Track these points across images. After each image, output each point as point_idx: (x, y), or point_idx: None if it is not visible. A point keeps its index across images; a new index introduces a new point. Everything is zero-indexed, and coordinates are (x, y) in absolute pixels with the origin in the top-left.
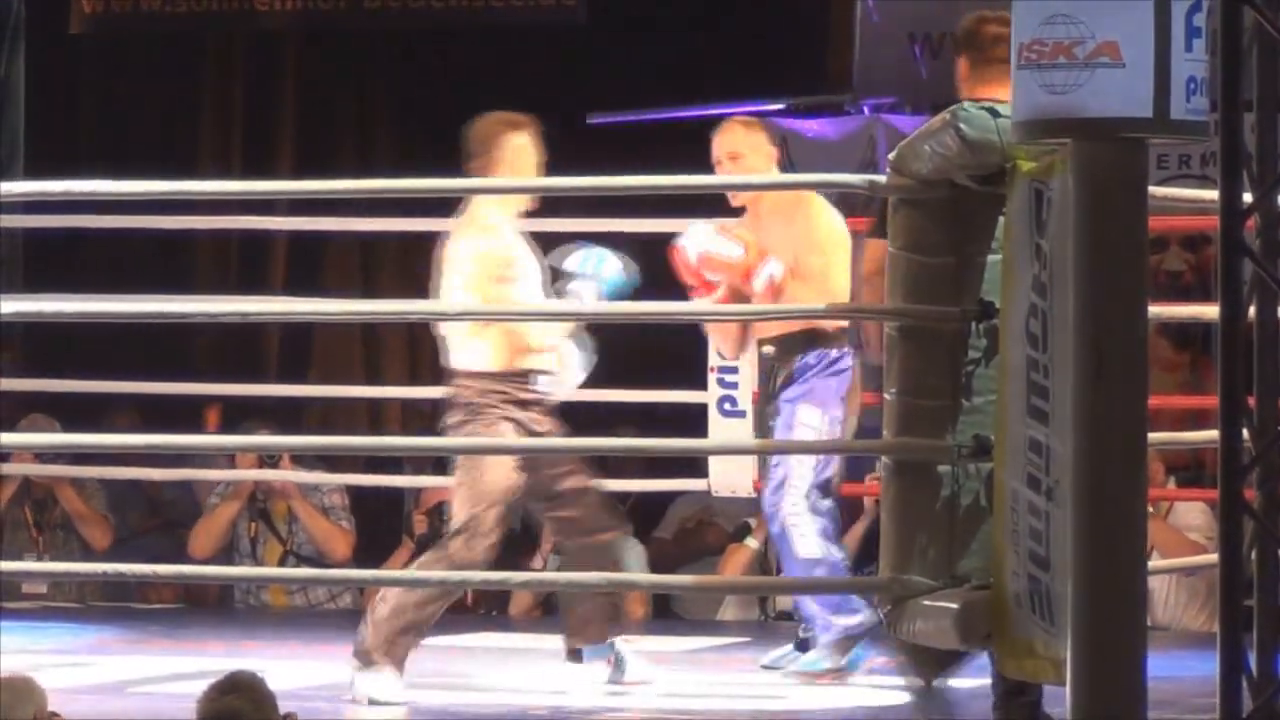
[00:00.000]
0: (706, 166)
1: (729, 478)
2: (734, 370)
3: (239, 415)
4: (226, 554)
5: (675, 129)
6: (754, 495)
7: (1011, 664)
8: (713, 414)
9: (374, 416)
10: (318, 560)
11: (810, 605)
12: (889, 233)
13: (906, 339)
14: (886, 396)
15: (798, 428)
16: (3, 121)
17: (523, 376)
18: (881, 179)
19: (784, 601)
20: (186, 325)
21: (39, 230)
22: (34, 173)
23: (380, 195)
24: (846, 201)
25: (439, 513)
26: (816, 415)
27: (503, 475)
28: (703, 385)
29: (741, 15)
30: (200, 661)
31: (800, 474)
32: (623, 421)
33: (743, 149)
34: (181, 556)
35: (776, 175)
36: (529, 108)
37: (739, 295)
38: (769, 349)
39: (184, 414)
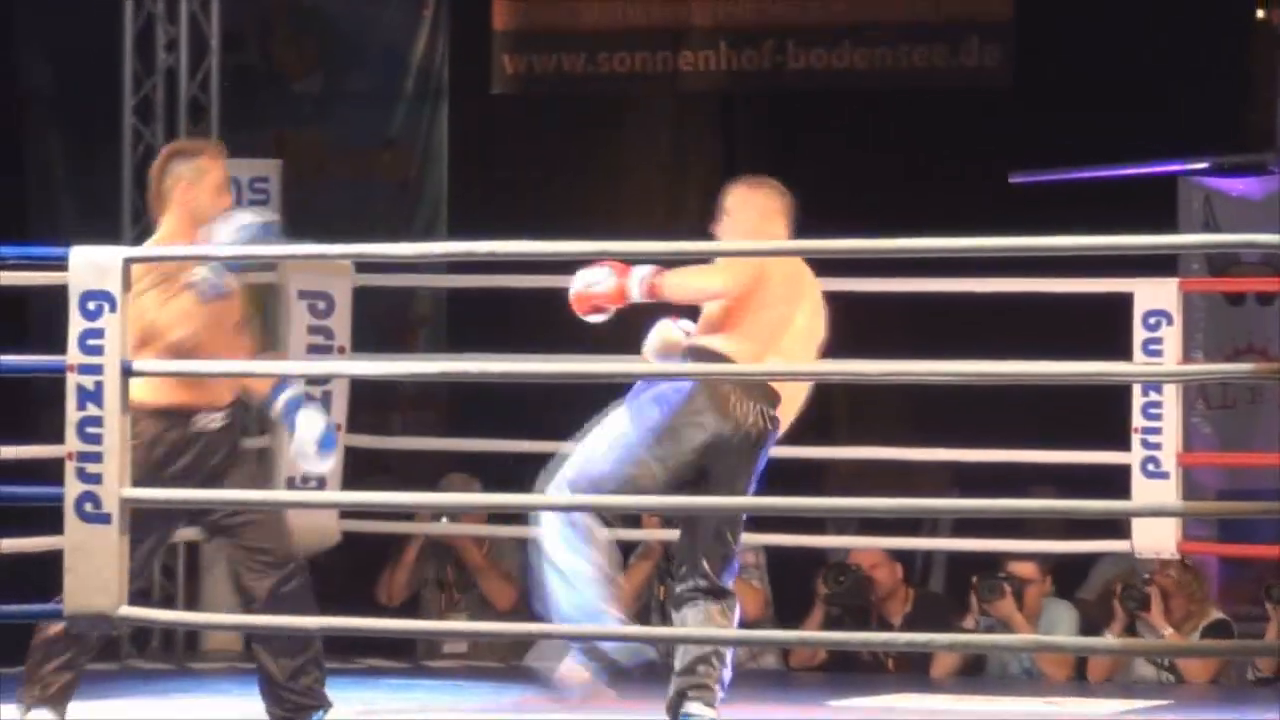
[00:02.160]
0: (1127, 226)
1: (1153, 539)
2: (1157, 431)
3: None
4: (645, 614)
5: (1096, 189)
6: (1177, 556)
7: None
8: (1135, 474)
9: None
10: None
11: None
12: None
13: None
14: None
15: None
16: (426, 182)
17: None
18: None
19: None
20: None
21: (462, 290)
22: (457, 232)
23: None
24: (1270, 261)
25: (840, 571)
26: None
27: None
28: (1126, 446)
29: (1164, 74)
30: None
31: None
32: (1041, 481)
33: (729, 206)
34: None
35: (1202, 236)
36: (953, 165)
37: None
38: None
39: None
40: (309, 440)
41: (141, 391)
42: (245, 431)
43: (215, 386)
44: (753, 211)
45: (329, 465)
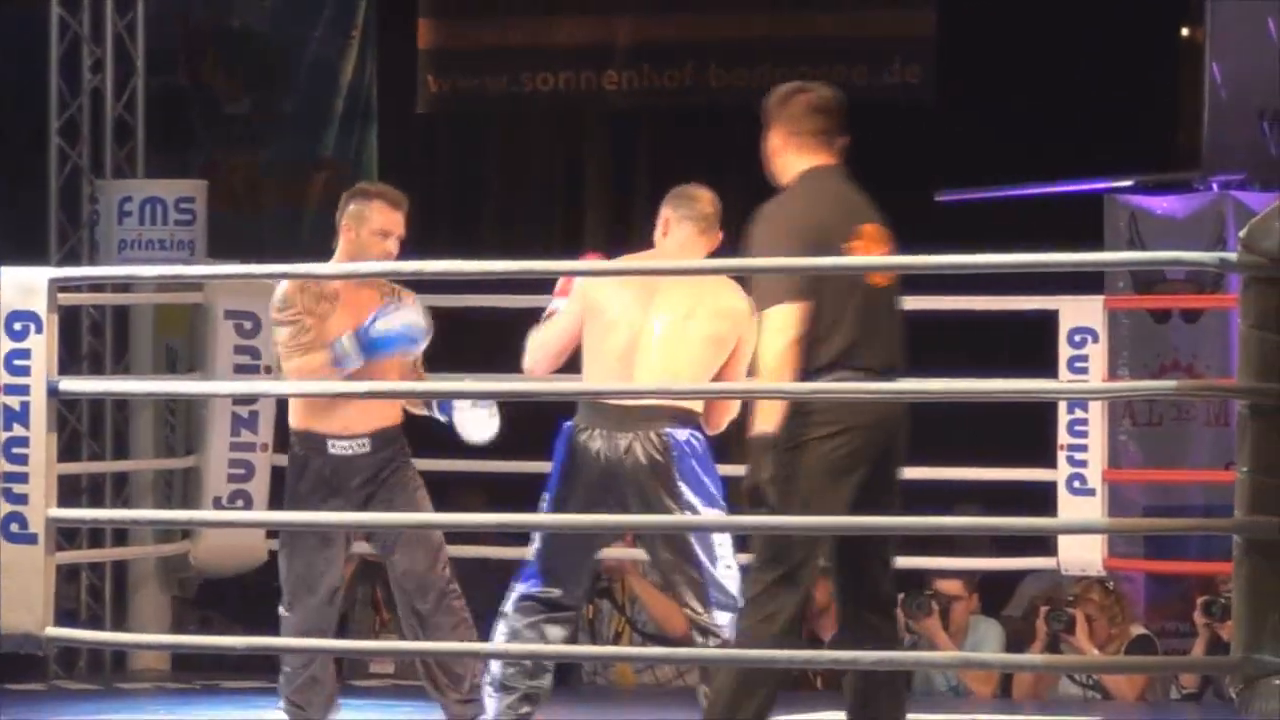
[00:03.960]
0: (1053, 244)
1: (1079, 556)
2: (1083, 449)
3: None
4: (574, 633)
5: (1022, 206)
6: (1103, 574)
7: None
8: (1061, 491)
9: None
10: (659, 637)
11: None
12: (1240, 310)
13: (1257, 417)
14: (1238, 475)
15: None
16: None
17: None
18: (1232, 256)
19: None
20: None
21: None
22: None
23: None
24: (1195, 279)
25: None
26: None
27: None
28: (1052, 463)
29: (1089, 93)
30: None
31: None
32: (967, 498)
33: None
34: None
35: (1128, 254)
36: (877, 184)
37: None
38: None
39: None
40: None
41: (293, 416)
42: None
43: (345, 415)
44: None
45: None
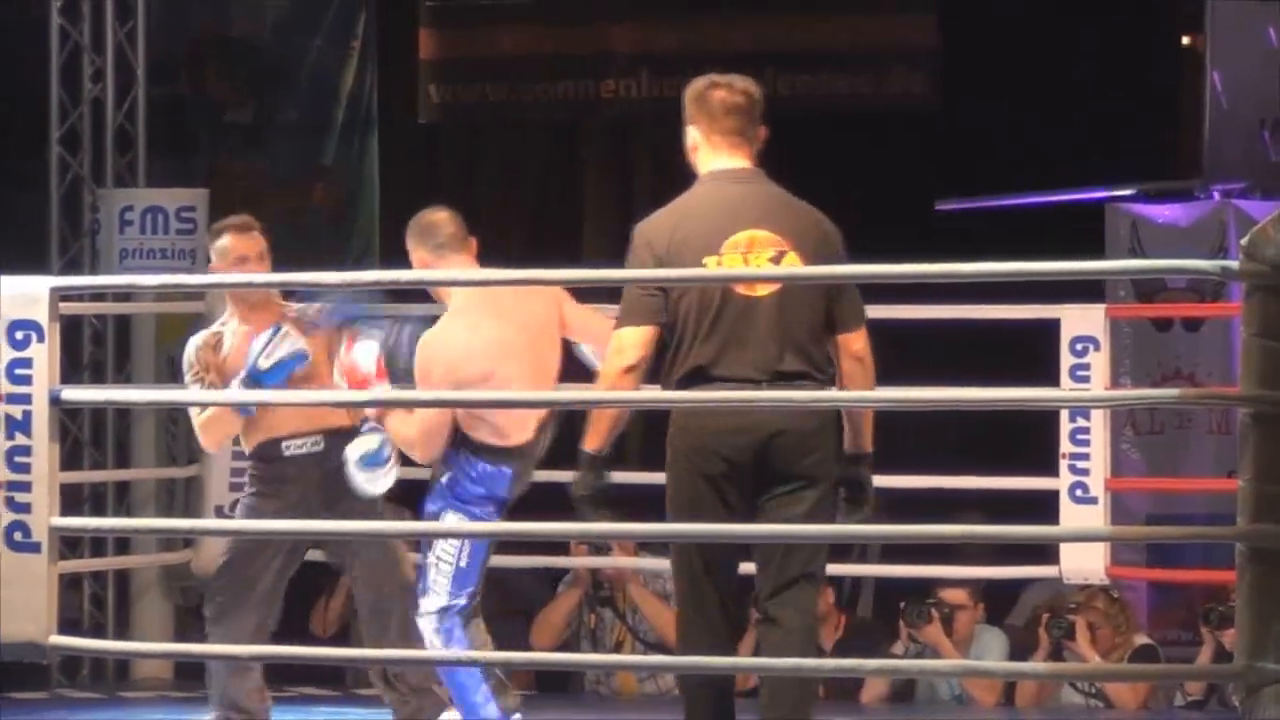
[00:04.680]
0: (1054, 252)
1: (1081, 564)
2: (1085, 457)
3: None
4: (576, 642)
5: (1023, 215)
6: (1106, 582)
7: None
8: (1064, 500)
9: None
10: (661, 646)
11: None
12: (1242, 318)
13: (1260, 425)
14: (1240, 483)
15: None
16: (359, 211)
17: None
18: (1234, 264)
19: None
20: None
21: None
22: (390, 261)
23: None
24: (1197, 287)
25: None
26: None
27: None
28: (1054, 471)
29: (1090, 101)
30: None
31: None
32: (970, 506)
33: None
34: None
35: (1129, 262)
36: (878, 192)
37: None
38: None
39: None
40: (350, 458)
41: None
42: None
43: (293, 420)
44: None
45: (376, 486)
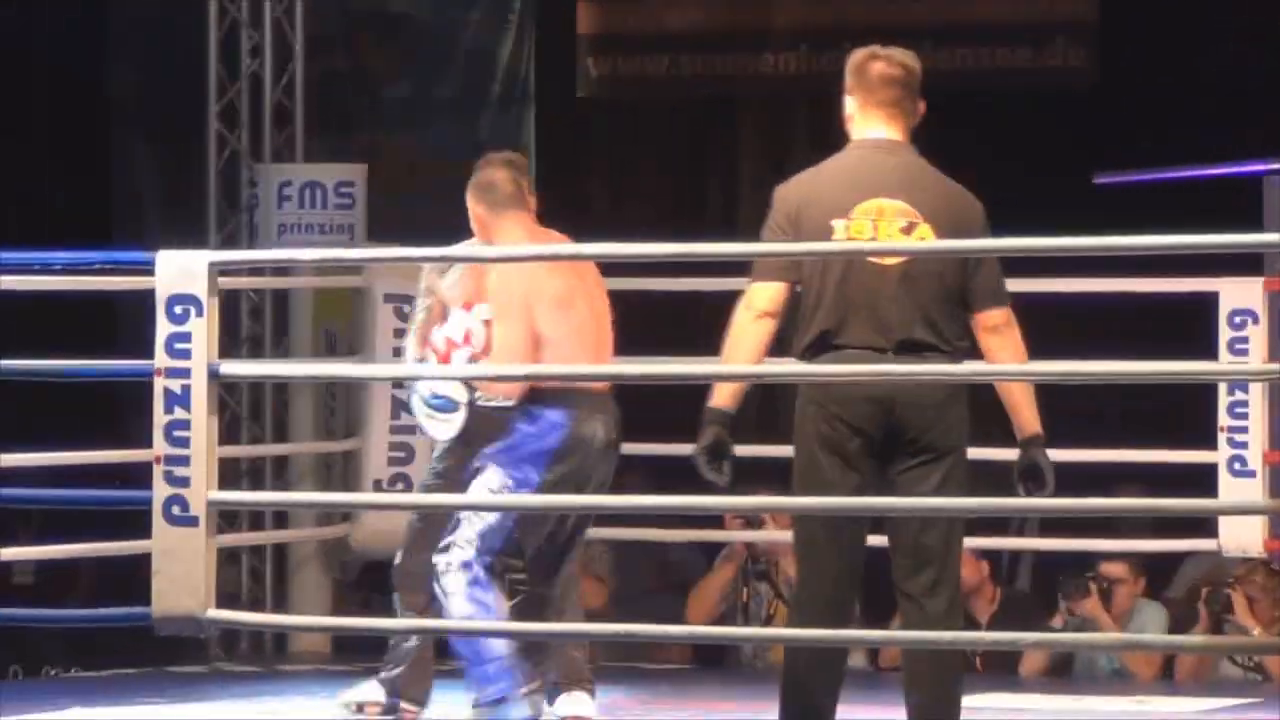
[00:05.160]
0: (1212, 225)
1: (1240, 537)
2: (1244, 430)
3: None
4: (731, 615)
5: (1181, 188)
6: (1264, 554)
7: None
8: (1222, 473)
9: None
10: None
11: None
12: None
13: None
14: None
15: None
16: None
17: None
18: None
19: None
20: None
21: None
22: None
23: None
24: None
25: None
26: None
27: None
28: (1213, 444)
29: (1250, 73)
30: None
31: (466, 534)
32: (1130, 480)
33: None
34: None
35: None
36: (1036, 166)
37: None
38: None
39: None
40: (419, 392)
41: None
42: None
43: None
44: None
45: (439, 430)
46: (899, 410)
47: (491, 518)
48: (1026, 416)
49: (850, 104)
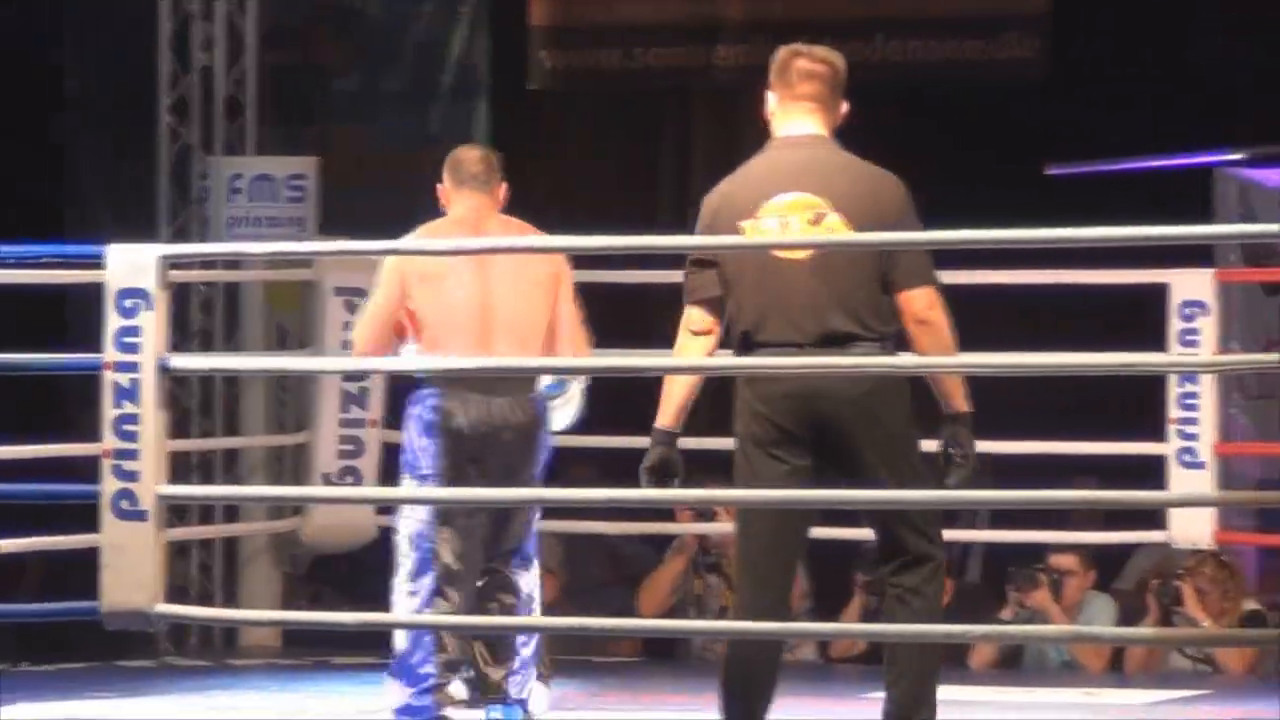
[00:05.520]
0: (1163, 217)
1: (1189, 529)
2: (1194, 422)
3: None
4: (682, 608)
5: (1132, 180)
6: (1214, 547)
7: None
8: (1172, 465)
9: None
10: None
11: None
12: None
13: None
14: None
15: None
16: None
17: None
18: None
19: None
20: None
21: None
22: None
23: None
24: None
25: None
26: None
27: None
28: (1163, 436)
29: (1200, 67)
30: (657, 715)
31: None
32: (1082, 472)
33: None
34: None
35: (1239, 226)
36: (988, 157)
37: None
38: None
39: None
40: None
41: None
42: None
43: None
44: None
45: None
46: (822, 404)
47: (411, 554)
48: (955, 397)
49: (771, 100)
